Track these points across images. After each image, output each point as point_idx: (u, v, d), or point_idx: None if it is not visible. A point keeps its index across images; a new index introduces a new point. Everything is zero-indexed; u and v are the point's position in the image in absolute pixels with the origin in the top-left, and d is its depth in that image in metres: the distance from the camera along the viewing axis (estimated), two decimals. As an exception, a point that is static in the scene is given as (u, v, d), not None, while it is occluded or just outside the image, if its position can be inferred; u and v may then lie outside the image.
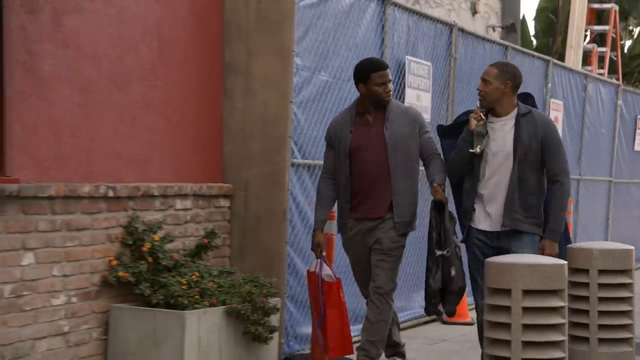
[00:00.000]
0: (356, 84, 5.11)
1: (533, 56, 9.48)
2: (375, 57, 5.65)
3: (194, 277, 5.06)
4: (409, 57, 7.05)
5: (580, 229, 10.58)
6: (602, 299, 4.57)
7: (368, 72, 5.03)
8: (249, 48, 5.78)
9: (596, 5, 14.45)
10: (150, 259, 4.99)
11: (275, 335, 5.24)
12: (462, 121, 5.06)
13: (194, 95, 5.62)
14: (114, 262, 4.92)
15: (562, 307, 3.82)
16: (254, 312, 5.04)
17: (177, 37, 5.48)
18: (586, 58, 13.65)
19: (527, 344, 3.74)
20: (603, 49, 14.00)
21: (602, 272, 4.57)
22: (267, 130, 5.71)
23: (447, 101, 7.69)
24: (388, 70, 5.10)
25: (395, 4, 6.87)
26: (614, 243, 4.83)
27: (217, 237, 5.53)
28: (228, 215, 5.78)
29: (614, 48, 14.49)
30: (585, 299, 4.56)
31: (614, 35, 14.36)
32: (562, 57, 14.04)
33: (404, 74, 6.98)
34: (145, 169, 5.27)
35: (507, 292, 3.78)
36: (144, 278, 4.95)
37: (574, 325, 4.52)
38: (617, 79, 13.58)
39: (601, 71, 13.71)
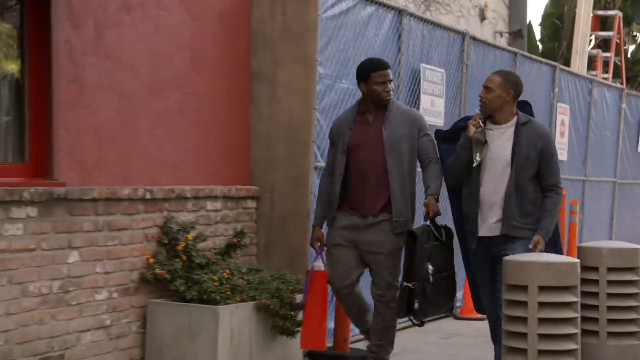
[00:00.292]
0: (358, 83, 5.09)
1: (541, 62, 9.62)
2: (377, 57, 5.57)
3: (225, 274, 5.24)
4: (424, 65, 7.22)
5: (586, 229, 10.71)
6: (611, 295, 4.66)
7: (369, 71, 4.99)
8: (275, 58, 5.96)
9: (601, 12, 14.53)
10: (184, 258, 5.18)
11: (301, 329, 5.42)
12: (460, 127, 4.98)
13: (223, 102, 5.81)
14: (151, 261, 5.11)
15: (575, 303, 4.00)
16: (282, 308, 5.23)
17: (208, 48, 5.66)
18: (591, 63, 13.72)
19: (542, 337, 3.91)
20: (608, 54, 14.05)
21: (611, 270, 4.67)
22: (292, 136, 5.89)
23: (459, 106, 7.85)
24: (389, 71, 5.03)
25: (411, 15, 7.06)
26: (622, 243, 4.92)
27: (246, 237, 5.71)
28: (255, 216, 5.96)
29: (618, 53, 14.57)
30: (595, 295, 4.66)
31: (618, 41, 14.44)
32: (567, 62, 14.15)
33: (420, 81, 7.17)
34: (179, 172, 5.45)
35: (524, 288, 3.95)
36: (179, 275, 5.13)
37: (584, 319, 4.57)
38: (622, 84, 13.69)
39: (606, 76, 13.79)
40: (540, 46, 16.34)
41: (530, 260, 4.01)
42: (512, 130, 4.80)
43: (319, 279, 4.98)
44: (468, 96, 7.95)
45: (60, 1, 4.63)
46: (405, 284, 4.78)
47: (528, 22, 14.23)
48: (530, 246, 4.65)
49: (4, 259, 4.27)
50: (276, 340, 5.33)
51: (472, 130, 4.78)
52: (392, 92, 5.03)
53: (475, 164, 4.76)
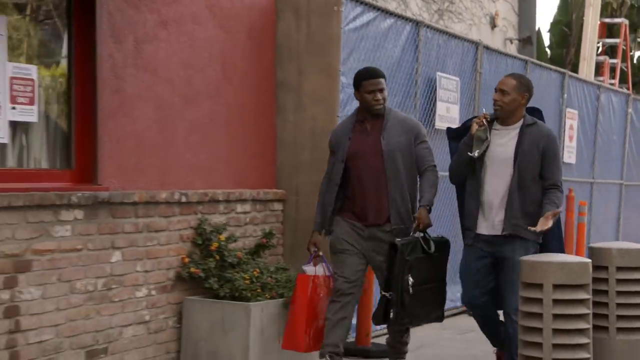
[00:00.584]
0: (354, 92, 5.00)
1: (550, 69, 9.74)
2: (373, 66, 5.43)
3: (255, 272, 5.41)
4: (439, 73, 7.38)
5: (593, 229, 10.83)
6: (620, 293, 4.75)
7: (360, 79, 4.89)
8: (300, 68, 6.14)
9: (607, 20, 14.59)
10: (217, 257, 5.37)
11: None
12: (469, 125, 4.94)
13: (251, 111, 5.99)
14: (186, 260, 5.30)
15: (587, 299, 4.14)
16: (308, 304, 5.40)
17: (238, 60, 5.85)
18: (598, 69, 13.78)
19: (556, 331, 4.06)
20: (614, 61, 14.09)
21: (620, 269, 4.76)
22: (315, 142, 6.06)
23: (473, 112, 7.99)
24: (380, 79, 4.88)
25: (427, 26, 7.22)
26: (630, 243, 5.01)
27: (274, 238, 5.91)
28: (281, 218, 6.14)
29: (624, 59, 14.63)
30: (605, 292, 4.77)
31: (624, 48, 14.51)
32: (575, 67, 14.24)
33: (435, 89, 7.34)
34: (211, 177, 5.63)
35: (539, 286, 4.10)
36: (212, 274, 5.32)
37: (595, 315, 4.61)
38: (628, 89, 13.81)
39: (612, 81, 13.87)
40: (549, 52, 16.44)
41: (545, 260, 4.17)
42: (517, 130, 4.80)
43: (302, 282, 4.91)
44: (481, 102, 8.09)
45: (104, 18, 4.84)
46: (382, 292, 4.76)
47: (537, 29, 14.35)
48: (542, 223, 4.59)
49: (54, 258, 4.48)
50: (303, 334, 5.50)
51: (474, 127, 4.76)
52: (382, 101, 4.86)
53: (474, 156, 4.71)
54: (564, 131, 9.97)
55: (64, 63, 4.84)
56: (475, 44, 8.04)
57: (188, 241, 5.36)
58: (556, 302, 4.08)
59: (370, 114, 4.91)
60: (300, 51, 6.15)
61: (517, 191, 4.72)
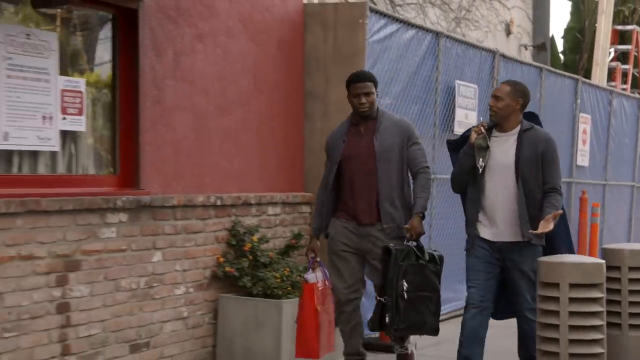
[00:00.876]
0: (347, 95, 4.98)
1: (564, 76, 9.87)
2: (364, 70, 5.38)
3: (285, 272, 5.58)
4: (458, 81, 7.54)
5: (606, 229, 10.93)
6: (632, 292, 4.86)
7: (348, 83, 4.91)
8: (327, 77, 6.31)
9: (619, 27, 14.67)
10: (250, 257, 5.54)
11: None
12: (467, 136, 4.90)
13: (280, 118, 6.18)
14: (221, 260, 5.49)
15: (601, 298, 4.29)
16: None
17: (268, 71, 6.03)
18: (610, 74, 13.85)
19: (572, 328, 4.21)
20: (626, 66, 14.16)
21: (631, 269, 4.87)
22: (341, 148, 6.25)
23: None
24: (366, 83, 4.84)
25: (447, 36, 7.39)
26: None
27: (302, 238, 6.10)
28: (308, 220, 6.30)
29: (636, 65, 14.72)
30: (618, 291, 4.88)
31: (635, 54, 14.57)
32: (588, 72, 14.31)
33: (454, 96, 7.50)
34: (244, 181, 5.82)
35: (556, 285, 4.25)
36: (246, 273, 5.49)
37: (608, 313, 4.63)
38: (639, 94, 13.91)
39: (624, 86, 13.94)
40: (562, 58, 16.50)
41: (562, 260, 4.33)
42: (516, 137, 4.77)
43: (308, 291, 4.87)
44: (497, 109, 8.24)
45: (146, 32, 5.04)
46: (377, 297, 4.75)
47: (551, 35, 14.45)
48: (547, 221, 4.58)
49: (101, 258, 4.69)
50: (330, 330, 5.67)
51: (473, 136, 4.73)
52: (366, 104, 4.82)
53: (480, 170, 4.72)
54: (578, 135, 10.09)
55: (109, 75, 5.04)
56: (492, 53, 8.18)
57: (223, 242, 5.54)
58: (572, 300, 4.23)
59: (360, 117, 4.89)
60: (327, 62, 6.33)
61: (524, 197, 4.70)
